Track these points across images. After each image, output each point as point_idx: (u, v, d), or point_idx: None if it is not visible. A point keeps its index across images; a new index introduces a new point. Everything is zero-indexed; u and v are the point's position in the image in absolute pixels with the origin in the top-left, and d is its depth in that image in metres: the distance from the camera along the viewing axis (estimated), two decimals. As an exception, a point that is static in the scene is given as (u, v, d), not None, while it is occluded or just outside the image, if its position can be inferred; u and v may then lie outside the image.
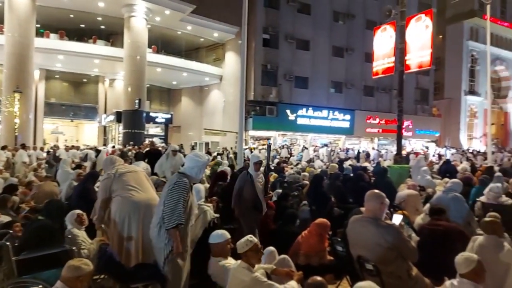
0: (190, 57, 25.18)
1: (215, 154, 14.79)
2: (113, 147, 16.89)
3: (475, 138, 34.57)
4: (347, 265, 3.66)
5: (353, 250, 3.30)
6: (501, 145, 33.31)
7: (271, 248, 3.54)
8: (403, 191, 6.50)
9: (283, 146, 20.29)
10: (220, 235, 3.31)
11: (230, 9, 19.86)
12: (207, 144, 21.31)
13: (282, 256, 3.56)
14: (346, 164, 12.24)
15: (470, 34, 33.59)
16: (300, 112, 23.36)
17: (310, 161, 15.16)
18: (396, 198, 6.29)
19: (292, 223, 4.92)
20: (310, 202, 6.06)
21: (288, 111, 22.92)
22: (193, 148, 16.74)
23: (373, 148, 23.38)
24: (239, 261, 3.00)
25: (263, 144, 21.64)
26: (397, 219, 3.59)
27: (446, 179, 7.30)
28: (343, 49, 25.61)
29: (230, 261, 3.23)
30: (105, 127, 26.12)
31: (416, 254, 3.02)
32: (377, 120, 26.61)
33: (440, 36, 33.55)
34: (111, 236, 3.60)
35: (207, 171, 8.55)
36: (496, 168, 10.29)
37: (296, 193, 7.04)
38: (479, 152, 23.97)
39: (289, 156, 17.79)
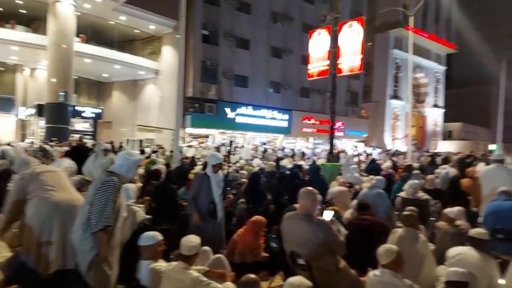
0: (124, 49, 23.78)
1: (149, 152, 14.19)
2: (32, 142, 15.34)
3: (398, 138, 37.86)
4: (281, 261, 3.73)
5: (287, 246, 3.37)
6: (419, 145, 36.96)
7: (205, 247, 3.47)
8: (334, 187, 6.85)
9: (222, 144, 20.17)
10: (151, 236, 3.15)
11: (167, 2, 19.13)
12: (140, 141, 20.31)
13: (217, 255, 3.51)
14: (284, 162, 12.57)
15: (395, 43, 36.67)
16: (239, 111, 23.46)
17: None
18: (328, 194, 6.61)
19: (228, 221, 4.89)
20: (247, 200, 6.09)
21: (227, 109, 22.87)
22: (121, 146, 15.71)
23: (307, 148, 24.32)
24: (175, 262, 2.90)
25: (201, 142, 21.32)
26: (328, 215, 3.74)
27: (372, 177, 7.86)
28: (281, 50, 26.28)
29: (161, 264, 3.09)
30: (23, 121, 23.65)
31: (344, 248, 3.17)
32: (312, 121, 27.81)
33: (370, 43, 36.09)
34: (27, 241, 3.24)
35: (141, 170, 8.14)
36: (415, 165, 11.33)
37: (234, 191, 7.05)
38: (400, 151, 26.30)
39: (228, 154, 17.71)
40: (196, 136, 22.85)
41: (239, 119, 23.46)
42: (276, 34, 25.90)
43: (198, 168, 9.48)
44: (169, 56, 23.12)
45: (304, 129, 27.56)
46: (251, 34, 24.40)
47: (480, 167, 8.26)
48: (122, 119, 25.88)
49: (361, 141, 32.66)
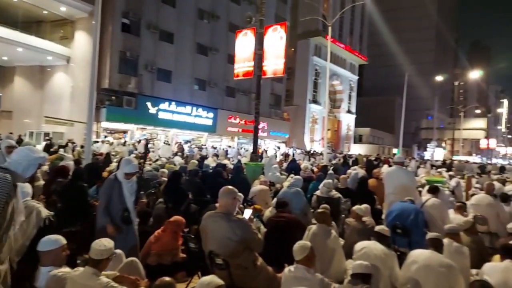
0: (29, 31, 20.99)
1: (56, 147, 12.82)
2: None
3: (316, 140, 40.35)
4: (200, 261, 3.65)
5: (206, 245, 3.31)
6: (334, 147, 39.92)
7: (118, 250, 3.22)
8: (256, 186, 7.00)
9: (139, 140, 19.16)
10: (54, 240, 2.80)
11: (83, -16, 17.58)
12: (46, 134, 18.16)
13: (130, 258, 3.29)
14: (208, 161, 12.44)
15: (315, 51, 39.02)
16: (162, 106, 22.58)
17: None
18: (250, 193, 6.71)
19: (145, 222, 4.64)
20: (166, 199, 5.85)
21: (149, 104, 21.84)
22: (20, 140, 13.47)
23: (229, 146, 24.45)
24: (82, 268, 2.63)
25: (119, 138, 19.98)
26: (247, 213, 3.77)
27: (292, 175, 8.21)
28: (207, 48, 26.04)
29: (65, 270, 2.78)
30: None
31: (261, 245, 3.22)
32: (238, 120, 28.11)
33: (292, 49, 37.83)
34: None
35: (45, 167, 7.29)
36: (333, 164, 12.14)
37: (153, 191, 6.73)
38: (318, 152, 28.07)
39: (147, 151, 16.88)
40: (112, 131, 21.35)
41: (161, 115, 22.59)
42: (202, 31, 25.57)
43: (113, 165, 8.86)
44: (83, 43, 21.15)
45: (229, 128, 27.72)
46: (176, 28, 23.69)
47: (384, 169, 9.21)
48: (26, 109, 22.93)
49: (283, 142, 34.04)
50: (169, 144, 18.92)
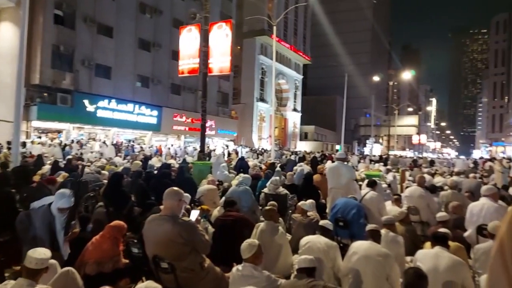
0: None
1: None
2: None
3: (263, 138, 40.92)
4: (144, 266, 3.49)
5: (149, 250, 3.18)
6: (281, 145, 40.81)
7: (52, 261, 2.96)
8: (204, 186, 6.88)
9: (72, 141, 17.90)
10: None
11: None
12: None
13: (66, 268, 3.04)
14: (153, 161, 12.00)
15: (261, 50, 39.50)
16: (101, 104, 21.31)
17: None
18: (197, 193, 6.58)
19: (83, 228, 4.33)
20: (107, 203, 5.52)
21: (86, 102, 20.50)
22: None
23: (172, 145, 23.78)
24: (13, 281, 2.43)
25: (53, 138, 18.50)
26: (194, 214, 3.68)
27: (241, 174, 8.21)
28: (150, 44, 25.12)
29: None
30: None
31: (208, 246, 3.16)
32: (184, 118, 27.50)
33: (239, 47, 37.92)
34: None
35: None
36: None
37: (92, 194, 6.32)
38: (266, 150, 28.48)
39: (81, 152, 15.82)
40: (45, 131, 19.70)
41: (100, 113, 21.32)
42: (144, 25, 24.61)
43: (46, 168, 8.19)
44: (9, 34, 19.19)
45: (175, 127, 27.01)
46: (116, 21, 22.50)
47: (328, 164, 9.59)
48: None
49: (231, 140, 34.03)
50: (107, 145, 17.89)
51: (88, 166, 10.06)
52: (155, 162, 12.32)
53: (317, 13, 54.84)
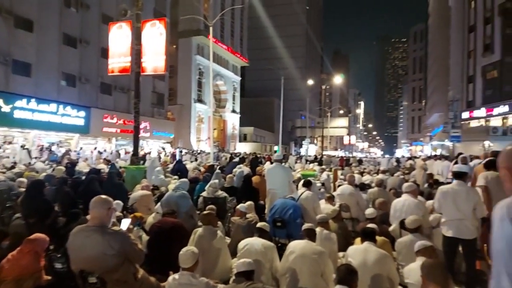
0: None
1: None
2: None
3: (202, 140, 40.39)
4: (68, 282, 3.20)
5: (76, 264, 2.92)
6: (221, 146, 40.63)
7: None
8: (138, 192, 6.54)
9: None
10: None
11: None
12: None
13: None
14: (80, 166, 11.12)
15: (197, 50, 38.96)
16: (18, 104, 19.20)
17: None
18: (130, 200, 6.24)
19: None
20: (25, 214, 4.98)
21: (0, 101, 18.35)
22: None
23: (95, 148, 22.25)
24: None
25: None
26: (125, 223, 3.47)
27: (176, 177, 7.97)
28: (77, 40, 23.33)
29: None
30: None
31: (142, 256, 3.01)
32: (115, 120, 25.96)
33: (174, 46, 36.99)
34: None
35: None
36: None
37: (8, 204, 5.67)
38: (204, 152, 28.14)
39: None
40: None
41: (18, 114, 19.18)
42: (70, 20, 22.81)
43: None
44: None
45: (106, 129, 25.39)
46: (37, 15, 20.49)
47: (266, 165, 9.75)
48: None
49: (168, 142, 33.01)
50: (26, 149, 16.15)
51: (3, 173, 9.01)
52: (83, 167, 11.46)
53: (255, 16, 55.77)
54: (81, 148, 21.48)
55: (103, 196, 2.95)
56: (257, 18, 60.86)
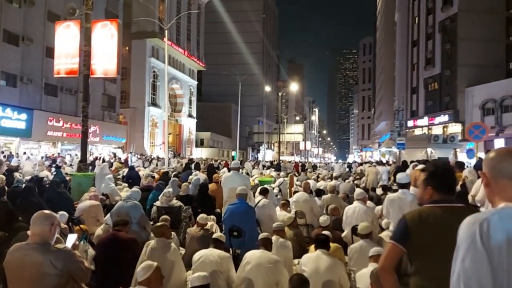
0: None
1: None
2: None
3: (157, 145, 39.21)
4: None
5: (13, 285, 2.68)
6: (176, 151, 39.68)
7: None
8: (85, 202, 6.15)
9: None
10: None
11: None
12: None
13: None
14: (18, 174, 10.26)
15: (152, 52, 37.90)
16: None
17: None
18: (77, 211, 5.85)
19: None
20: (-47, 230, 4.48)
21: None
22: None
23: (31, 154, 20.67)
24: None
25: None
26: (71, 239, 3.24)
27: (125, 185, 7.62)
28: (19, 37, 21.71)
29: None
30: None
31: (89, 274, 2.83)
32: (61, 123, 24.42)
33: (127, 48, 35.71)
34: None
35: None
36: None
37: None
38: (158, 157, 27.31)
39: None
40: None
41: None
42: (11, 16, 21.21)
43: None
44: None
45: (51, 132, 23.78)
46: (-27, 8, 18.82)
47: (223, 172, 9.68)
48: None
49: (119, 147, 31.64)
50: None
51: None
52: (29, 173, 10.61)
53: (212, 21, 55.50)
54: (24, 153, 19.83)
55: (46, 211, 2.73)
56: (215, 23, 60.70)
